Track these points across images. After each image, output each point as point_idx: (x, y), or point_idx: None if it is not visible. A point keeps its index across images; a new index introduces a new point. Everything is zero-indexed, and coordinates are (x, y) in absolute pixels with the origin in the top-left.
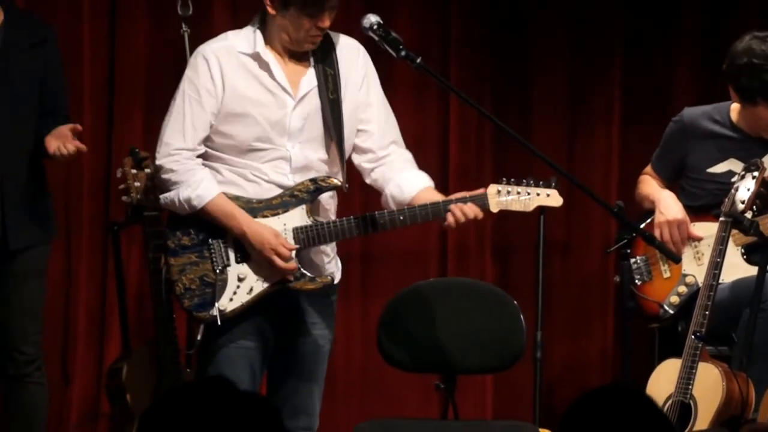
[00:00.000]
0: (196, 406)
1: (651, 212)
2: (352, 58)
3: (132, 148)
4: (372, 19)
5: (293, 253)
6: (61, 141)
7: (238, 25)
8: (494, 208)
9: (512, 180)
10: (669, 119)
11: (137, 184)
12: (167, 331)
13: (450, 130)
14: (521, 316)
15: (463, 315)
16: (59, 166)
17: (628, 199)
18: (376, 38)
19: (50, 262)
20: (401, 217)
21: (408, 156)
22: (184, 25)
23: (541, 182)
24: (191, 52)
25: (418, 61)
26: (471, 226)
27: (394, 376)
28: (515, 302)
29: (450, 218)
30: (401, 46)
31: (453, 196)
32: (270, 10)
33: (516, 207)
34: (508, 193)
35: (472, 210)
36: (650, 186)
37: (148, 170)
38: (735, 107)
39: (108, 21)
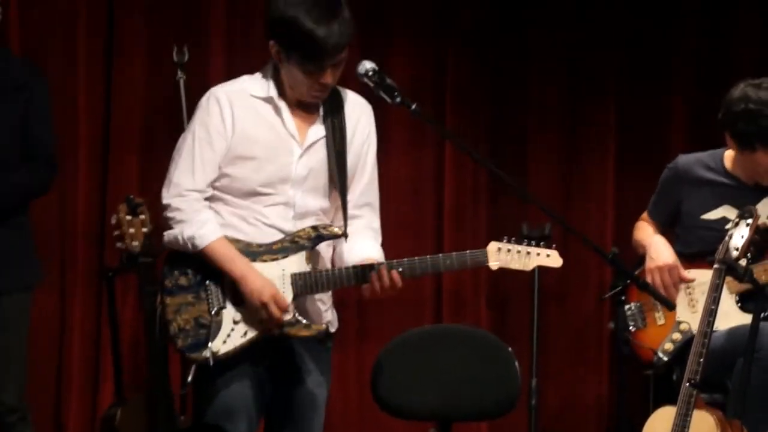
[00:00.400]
0: None
1: (644, 258)
2: (360, 115)
3: (127, 196)
4: (367, 65)
5: (290, 299)
6: None
7: (233, 72)
8: (493, 266)
9: (513, 239)
10: (663, 166)
11: (132, 230)
12: (161, 379)
13: (445, 174)
14: (516, 363)
15: (458, 362)
16: (52, 212)
17: (624, 244)
18: (372, 85)
19: (44, 308)
20: (400, 269)
21: (376, 225)
22: (179, 72)
23: (533, 239)
24: (187, 99)
25: (414, 107)
26: (466, 273)
27: (390, 422)
28: (510, 349)
29: (365, 291)
30: (396, 93)
31: (453, 254)
32: (278, 62)
33: (515, 266)
34: (508, 251)
35: (395, 276)
36: (644, 232)
37: (143, 216)
38: (729, 154)
39: (104, 67)
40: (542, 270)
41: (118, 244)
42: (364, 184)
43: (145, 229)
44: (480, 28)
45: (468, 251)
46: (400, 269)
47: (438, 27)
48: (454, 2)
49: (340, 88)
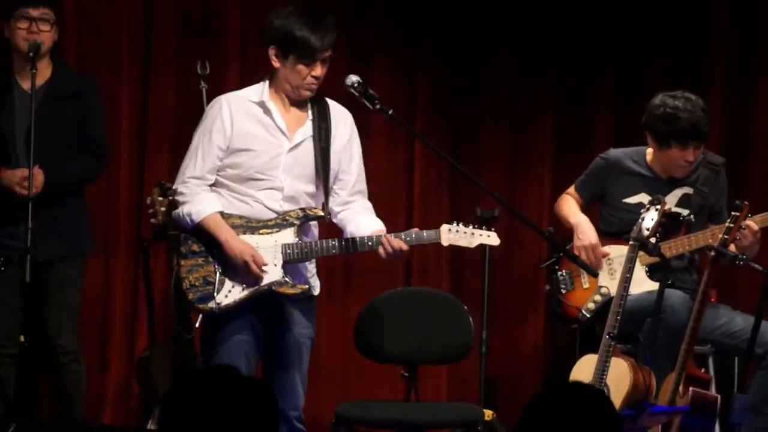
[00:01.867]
0: (207, 389)
1: (573, 234)
2: (342, 120)
3: (159, 180)
4: (353, 78)
5: (280, 264)
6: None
7: (246, 82)
8: (445, 243)
9: (461, 222)
10: (587, 165)
11: (163, 209)
12: (184, 324)
13: (415, 168)
14: (470, 318)
15: (423, 317)
16: (101, 194)
17: (556, 225)
18: (357, 94)
19: (91, 272)
20: (369, 243)
21: (368, 205)
22: (202, 82)
23: (485, 219)
24: (208, 104)
25: (390, 112)
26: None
27: (368, 366)
28: (465, 307)
29: (380, 250)
30: (376, 101)
31: (413, 230)
32: (275, 64)
33: (462, 243)
34: (457, 232)
35: (398, 243)
36: (570, 209)
37: (172, 198)
38: (650, 152)
39: (142, 78)
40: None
41: (152, 220)
42: (354, 176)
43: (172, 207)
44: (444, 49)
45: (425, 231)
46: (370, 243)
47: (410, 48)
48: (423, 29)
49: (327, 99)
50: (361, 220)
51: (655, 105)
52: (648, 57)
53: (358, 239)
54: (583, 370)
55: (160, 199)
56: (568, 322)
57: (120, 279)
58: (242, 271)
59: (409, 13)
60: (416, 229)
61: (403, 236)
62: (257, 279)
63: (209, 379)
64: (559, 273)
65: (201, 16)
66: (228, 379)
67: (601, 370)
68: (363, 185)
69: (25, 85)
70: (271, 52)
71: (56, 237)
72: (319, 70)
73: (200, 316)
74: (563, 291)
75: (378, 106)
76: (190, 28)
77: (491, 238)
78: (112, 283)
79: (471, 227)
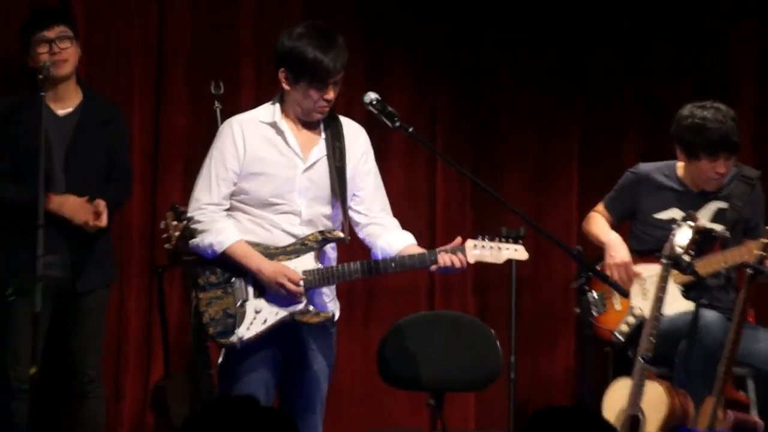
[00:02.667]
0: (226, 420)
1: (603, 253)
2: (356, 137)
3: (173, 204)
4: (371, 96)
5: (302, 291)
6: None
7: (260, 102)
8: (471, 260)
9: (486, 236)
10: (618, 178)
11: (177, 233)
12: (203, 356)
13: (436, 186)
14: (497, 342)
15: (448, 342)
16: (114, 220)
17: (586, 243)
18: (375, 112)
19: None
20: (392, 264)
21: (396, 222)
22: (216, 102)
23: (510, 238)
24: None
25: (410, 130)
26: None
27: (391, 393)
28: (492, 331)
29: (440, 260)
30: (396, 118)
31: (437, 249)
32: (285, 86)
33: (489, 259)
34: (483, 247)
35: (458, 259)
36: (599, 227)
37: (187, 225)
38: (680, 165)
39: (154, 98)
40: (516, 264)
41: (166, 245)
42: (371, 193)
43: (186, 232)
44: (465, 64)
45: (449, 246)
46: (392, 265)
47: (429, 63)
48: (442, 44)
49: (340, 116)
50: (390, 236)
51: (684, 116)
52: (676, 68)
53: (381, 262)
54: (617, 394)
55: (174, 223)
56: (599, 345)
57: (134, 306)
58: (278, 294)
59: (428, 28)
60: (439, 248)
61: (427, 255)
62: (295, 299)
63: (228, 409)
64: (590, 294)
65: (214, 35)
66: (247, 410)
67: (636, 394)
68: (384, 201)
69: (57, 109)
70: (281, 74)
71: (94, 266)
72: (331, 94)
73: (222, 349)
74: (594, 313)
75: (398, 124)
76: (203, 46)
77: (519, 252)
78: (125, 311)
79: (497, 241)
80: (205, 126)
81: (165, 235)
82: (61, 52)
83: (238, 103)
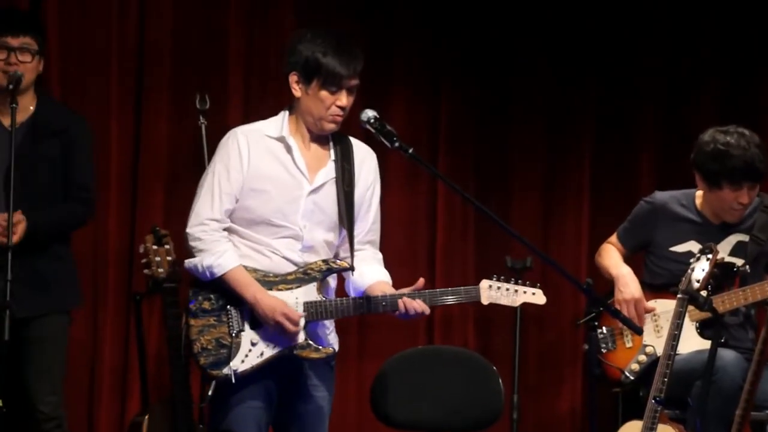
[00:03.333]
0: None
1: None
2: (367, 161)
3: (153, 227)
4: (369, 113)
5: (302, 323)
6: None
7: (249, 118)
8: (485, 301)
9: (502, 277)
10: (631, 207)
11: (158, 258)
12: (183, 391)
13: (437, 211)
14: (500, 381)
15: (447, 378)
16: (87, 242)
17: (597, 276)
18: (373, 131)
19: (77, 328)
20: (384, 303)
21: (379, 256)
22: (201, 117)
23: (527, 282)
24: (207, 141)
25: (410, 151)
26: None
27: None
28: (494, 367)
29: (400, 306)
30: (395, 138)
31: (449, 290)
32: (296, 93)
33: (504, 302)
34: (498, 288)
35: (420, 306)
36: (611, 259)
37: (167, 246)
38: (699, 194)
39: (134, 112)
40: None
41: (145, 271)
42: (369, 224)
43: (169, 258)
44: (468, 81)
45: (462, 288)
46: (384, 304)
47: (431, 80)
48: (444, 59)
49: (350, 137)
50: (366, 268)
51: (705, 141)
52: (695, 88)
53: (372, 300)
54: None
55: (155, 247)
56: (609, 385)
57: (109, 336)
58: (275, 330)
59: (429, 42)
60: (452, 289)
61: (438, 294)
62: (291, 337)
63: None
64: (599, 330)
65: (199, 45)
66: None
67: None
68: (376, 235)
69: (6, 121)
70: (293, 79)
71: (38, 291)
72: (344, 100)
73: (212, 382)
74: (603, 350)
75: (397, 144)
76: (188, 57)
77: (537, 297)
78: (100, 341)
79: (513, 283)
80: (189, 141)
81: (144, 260)
82: (19, 65)
83: (225, 119)
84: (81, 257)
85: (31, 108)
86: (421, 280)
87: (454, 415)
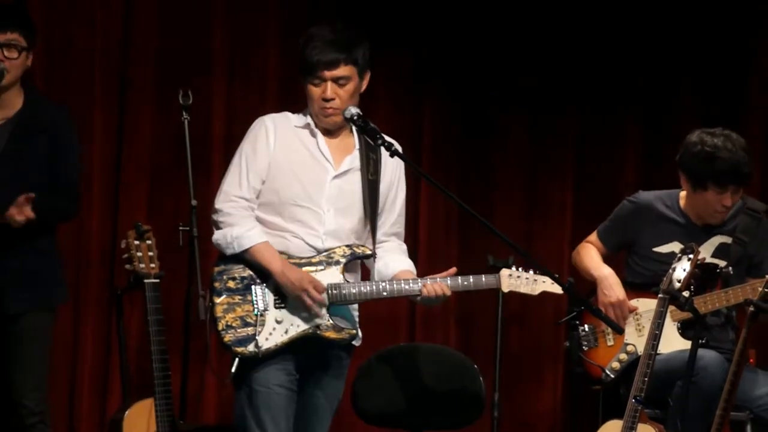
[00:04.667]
0: None
1: (595, 287)
2: (394, 165)
3: (136, 223)
4: (353, 110)
5: (326, 301)
6: (16, 209)
7: (232, 114)
8: (505, 289)
9: (520, 267)
10: (616, 204)
11: (139, 254)
12: (163, 387)
13: (420, 212)
14: (481, 379)
15: (429, 376)
16: (69, 237)
17: (578, 275)
18: (356, 128)
19: (59, 323)
20: (407, 287)
21: (404, 248)
22: (184, 113)
23: (545, 271)
24: (191, 137)
25: (393, 148)
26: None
27: (366, 429)
28: (476, 366)
29: (423, 291)
30: (378, 135)
31: (471, 277)
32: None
33: (524, 290)
34: (518, 277)
35: (440, 287)
36: (592, 260)
37: (149, 241)
38: (683, 195)
39: (117, 109)
40: (505, 295)
41: (127, 266)
42: (395, 217)
43: (151, 253)
44: (452, 79)
45: (483, 275)
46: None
47: (416, 81)
48: (428, 56)
49: (376, 128)
50: (390, 258)
51: (692, 142)
52: (679, 88)
53: (396, 283)
54: None
55: (137, 242)
56: (589, 383)
57: (90, 331)
58: (299, 302)
59: (413, 40)
60: (473, 276)
61: (460, 281)
62: (316, 316)
63: None
64: (581, 328)
65: (183, 41)
66: None
67: None
68: (401, 227)
69: None
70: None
71: (28, 288)
72: (328, 92)
73: (236, 359)
74: (585, 348)
75: (380, 141)
76: (171, 53)
77: (555, 286)
78: (81, 336)
79: (532, 272)
80: (172, 137)
81: (126, 255)
82: (4, 60)
83: (208, 114)
84: (64, 252)
85: (19, 104)
86: (453, 269)
87: (434, 413)
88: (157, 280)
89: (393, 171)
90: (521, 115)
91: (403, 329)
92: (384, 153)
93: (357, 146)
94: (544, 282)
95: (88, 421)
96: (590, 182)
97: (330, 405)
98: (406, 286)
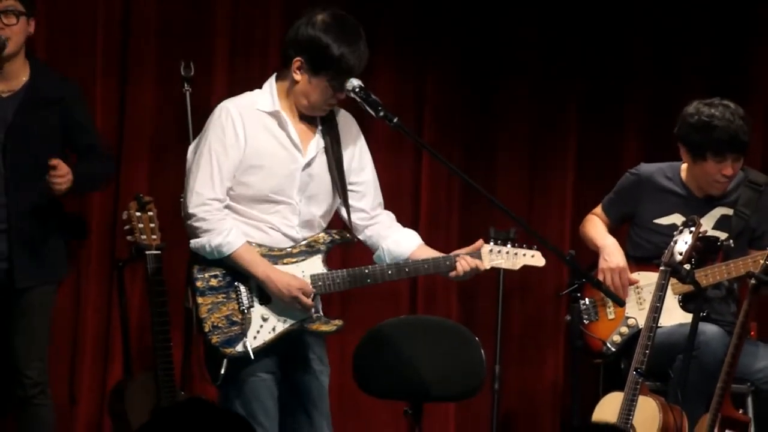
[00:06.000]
0: (183, 424)
1: (597, 258)
2: (349, 127)
3: (137, 194)
4: (354, 83)
5: (312, 297)
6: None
7: (234, 85)
8: (486, 265)
9: (499, 241)
10: (617, 178)
11: (141, 225)
12: (165, 358)
13: (422, 184)
14: (482, 351)
15: (430, 349)
16: (70, 209)
17: (580, 247)
18: (358, 100)
19: (61, 294)
20: (406, 269)
21: (392, 216)
22: (186, 85)
23: (524, 244)
24: (192, 109)
25: (395, 121)
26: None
27: (368, 402)
28: (477, 338)
29: (459, 268)
30: (380, 107)
31: (453, 253)
32: (296, 77)
33: (505, 265)
34: (498, 252)
35: (474, 262)
36: (596, 230)
37: (150, 213)
38: (684, 167)
39: (118, 79)
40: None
41: (128, 237)
42: (371, 185)
43: (152, 224)
44: (454, 49)
45: (464, 250)
46: (407, 269)
47: (418, 50)
48: (431, 27)
49: None
50: (398, 236)
51: (689, 113)
52: (683, 62)
53: (394, 267)
54: (607, 409)
55: (138, 214)
56: (590, 356)
57: (91, 303)
58: (289, 306)
59: (416, 9)
60: (453, 253)
61: (442, 260)
62: (303, 311)
63: (185, 415)
64: (582, 302)
65: (185, 12)
66: (206, 415)
67: (627, 409)
68: (380, 195)
69: (3, 90)
70: (296, 64)
71: (35, 261)
72: (343, 94)
73: (224, 360)
74: (586, 321)
75: (382, 114)
76: (173, 24)
77: (536, 259)
78: (82, 308)
79: (511, 246)
80: (174, 109)
81: (127, 227)
82: (4, 28)
83: (209, 85)
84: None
85: (24, 77)
86: (480, 242)
87: (436, 386)
88: (159, 252)
89: (354, 141)
90: (524, 87)
91: (405, 302)
92: (342, 128)
93: (319, 127)
94: (524, 256)
95: (89, 393)
96: (593, 155)
97: (321, 385)
98: (440, 264)
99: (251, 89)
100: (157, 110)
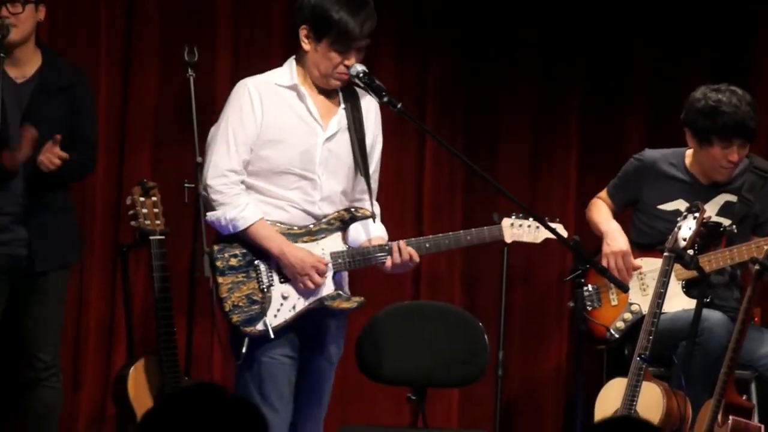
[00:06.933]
0: (189, 410)
1: (601, 243)
2: (372, 110)
3: (141, 179)
4: (358, 68)
5: (330, 275)
6: (46, 156)
7: (238, 70)
8: (509, 239)
9: (521, 215)
10: (621, 163)
11: (144, 210)
12: (168, 343)
13: (425, 169)
14: (485, 337)
15: (433, 334)
16: (74, 194)
17: (584, 233)
18: (362, 85)
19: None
20: (427, 245)
21: (377, 208)
22: (189, 70)
23: (546, 217)
24: (196, 95)
25: (399, 106)
26: (442, 255)
27: (371, 387)
28: (480, 324)
29: (387, 262)
30: (384, 93)
31: (473, 230)
32: (305, 46)
33: (527, 239)
34: (520, 226)
35: (407, 251)
36: (601, 214)
37: (154, 198)
38: (689, 153)
39: (122, 63)
40: (510, 254)
41: (132, 223)
42: (370, 173)
43: (156, 210)
44: (457, 35)
45: (485, 227)
46: (427, 245)
47: (421, 36)
48: (433, 12)
49: (357, 88)
50: (365, 223)
51: (696, 98)
52: (687, 46)
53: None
54: (611, 395)
55: (142, 199)
56: (594, 342)
57: (96, 288)
58: (301, 282)
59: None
60: (475, 229)
61: (462, 235)
62: (322, 288)
63: (192, 400)
64: (585, 288)
65: None
66: (213, 400)
67: (631, 395)
68: (376, 184)
69: (13, 73)
70: (303, 32)
71: (50, 246)
72: (353, 59)
73: (246, 339)
74: (589, 308)
75: (385, 99)
76: (177, 9)
77: (558, 230)
78: (86, 293)
79: (532, 220)
80: (177, 93)
81: (131, 212)
82: (10, 16)
83: (214, 72)
84: None
85: (36, 64)
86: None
87: (439, 371)
88: (162, 237)
89: (374, 127)
90: (527, 72)
91: (408, 287)
92: (365, 110)
93: (342, 105)
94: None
95: (93, 377)
96: (596, 141)
97: (331, 367)
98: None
99: (254, 74)
100: (160, 95)
